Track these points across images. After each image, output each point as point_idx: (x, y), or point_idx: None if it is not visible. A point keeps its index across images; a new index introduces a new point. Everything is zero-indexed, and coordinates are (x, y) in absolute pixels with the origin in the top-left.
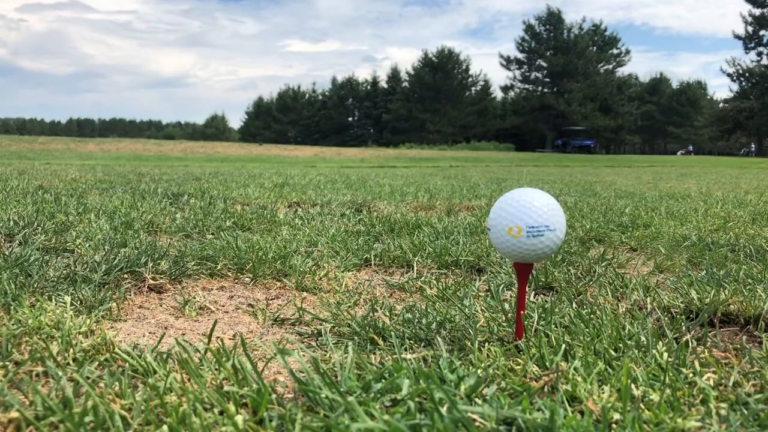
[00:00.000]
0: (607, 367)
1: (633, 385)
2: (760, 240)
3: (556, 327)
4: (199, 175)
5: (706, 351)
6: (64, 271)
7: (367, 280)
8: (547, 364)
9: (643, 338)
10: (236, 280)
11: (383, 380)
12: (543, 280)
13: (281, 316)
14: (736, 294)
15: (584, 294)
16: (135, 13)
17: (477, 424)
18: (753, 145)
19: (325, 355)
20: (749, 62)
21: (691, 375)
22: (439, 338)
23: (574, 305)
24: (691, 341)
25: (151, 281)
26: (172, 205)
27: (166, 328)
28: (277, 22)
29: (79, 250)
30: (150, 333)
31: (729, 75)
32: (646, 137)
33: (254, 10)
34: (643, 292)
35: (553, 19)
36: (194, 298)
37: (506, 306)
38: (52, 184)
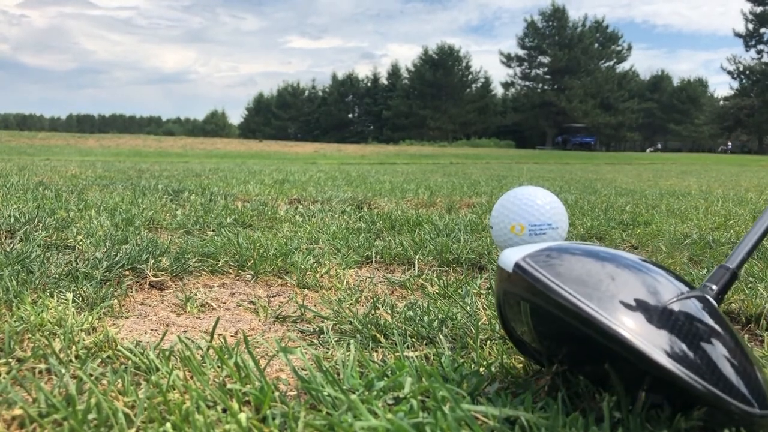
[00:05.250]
0: None
1: None
2: None
3: None
4: (200, 171)
5: None
6: (66, 268)
7: (369, 278)
8: None
9: None
10: (237, 277)
11: (386, 378)
12: None
13: (283, 313)
14: (738, 292)
15: None
16: (136, 9)
17: (479, 422)
18: (729, 143)
19: (327, 352)
20: (750, 60)
21: None
22: (440, 336)
23: None
24: None
25: (153, 278)
26: (173, 202)
27: (167, 325)
28: (277, 18)
29: (80, 247)
30: (152, 330)
31: (729, 72)
32: (646, 134)
33: (255, 6)
34: None
35: (557, 14)
36: (196, 295)
37: None
38: (52, 180)
